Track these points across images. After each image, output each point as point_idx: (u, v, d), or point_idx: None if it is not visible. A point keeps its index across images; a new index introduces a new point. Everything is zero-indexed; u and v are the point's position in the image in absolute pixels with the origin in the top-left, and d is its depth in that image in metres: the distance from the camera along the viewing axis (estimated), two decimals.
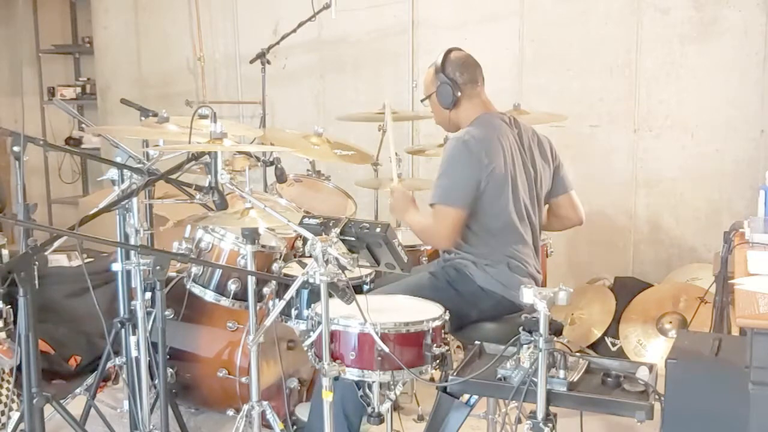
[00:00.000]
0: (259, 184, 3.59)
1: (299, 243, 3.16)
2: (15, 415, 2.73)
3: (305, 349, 2.26)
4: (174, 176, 2.56)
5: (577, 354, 2.26)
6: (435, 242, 2.91)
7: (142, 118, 3.05)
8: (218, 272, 2.77)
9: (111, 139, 2.78)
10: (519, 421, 2.18)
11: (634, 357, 3.86)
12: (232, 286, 2.75)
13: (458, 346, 3.45)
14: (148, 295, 2.55)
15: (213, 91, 5.47)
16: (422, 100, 2.91)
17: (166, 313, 2.67)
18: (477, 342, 2.38)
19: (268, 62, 4.36)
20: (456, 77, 2.76)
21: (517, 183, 2.71)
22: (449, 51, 2.82)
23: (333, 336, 2.15)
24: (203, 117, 2.46)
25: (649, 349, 3.93)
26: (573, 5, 4.42)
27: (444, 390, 2.21)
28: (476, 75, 2.80)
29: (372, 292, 2.73)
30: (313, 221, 2.18)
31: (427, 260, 3.24)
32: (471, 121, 2.76)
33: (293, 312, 2.63)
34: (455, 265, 2.73)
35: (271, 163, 2.87)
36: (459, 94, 2.76)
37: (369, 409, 2.23)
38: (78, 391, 2.99)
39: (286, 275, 2.73)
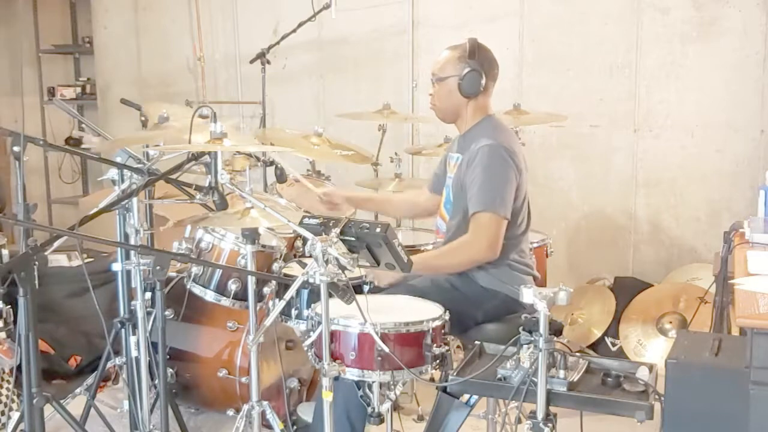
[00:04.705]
0: (259, 184, 3.59)
1: (299, 243, 3.16)
2: (15, 415, 2.73)
3: (305, 349, 2.26)
4: (174, 176, 2.56)
5: (577, 354, 2.26)
6: (479, 253, 2.60)
7: (142, 118, 3.05)
8: (218, 272, 2.77)
9: (111, 139, 2.78)
10: (519, 421, 2.18)
11: (634, 357, 3.86)
12: (233, 286, 2.74)
13: (458, 346, 3.44)
14: (148, 295, 2.55)
15: (213, 91, 5.47)
16: (437, 80, 2.72)
17: (166, 313, 2.67)
18: (477, 342, 2.38)
19: (268, 62, 4.36)
20: (485, 68, 2.68)
21: (528, 189, 2.71)
22: (475, 40, 2.70)
23: (333, 336, 2.15)
24: (203, 117, 2.46)
25: (649, 349, 3.92)
26: (573, 5, 4.42)
27: (444, 390, 2.21)
28: (497, 74, 2.74)
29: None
30: (313, 221, 2.18)
31: None
32: (478, 121, 2.72)
33: (293, 312, 2.63)
34: None
35: (271, 163, 2.87)
36: (484, 86, 2.68)
37: (369, 409, 2.23)
38: (78, 391, 2.98)
39: (286, 275, 2.72)
